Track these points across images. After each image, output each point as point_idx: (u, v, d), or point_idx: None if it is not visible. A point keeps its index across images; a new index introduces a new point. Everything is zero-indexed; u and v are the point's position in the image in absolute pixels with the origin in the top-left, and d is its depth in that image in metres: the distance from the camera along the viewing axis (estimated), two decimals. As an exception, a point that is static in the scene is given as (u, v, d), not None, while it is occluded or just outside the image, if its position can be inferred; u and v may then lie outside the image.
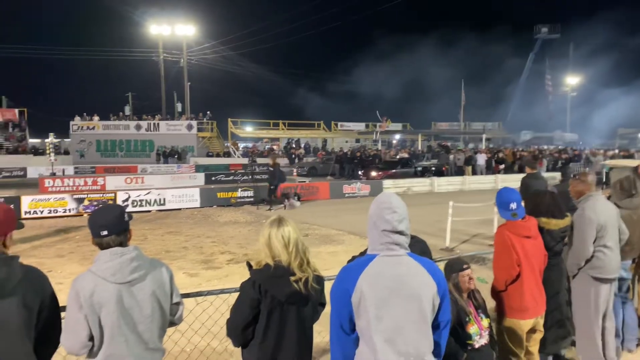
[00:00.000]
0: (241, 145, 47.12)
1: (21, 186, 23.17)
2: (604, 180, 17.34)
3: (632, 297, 5.08)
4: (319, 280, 2.71)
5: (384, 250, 2.21)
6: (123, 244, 2.40)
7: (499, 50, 70.82)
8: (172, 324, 2.55)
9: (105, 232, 2.35)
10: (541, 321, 3.62)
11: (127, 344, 2.27)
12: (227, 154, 38.54)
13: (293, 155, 37.84)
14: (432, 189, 22.88)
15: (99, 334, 2.24)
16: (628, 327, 4.79)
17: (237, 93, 73.64)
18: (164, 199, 16.85)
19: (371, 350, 2.13)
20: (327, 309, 2.69)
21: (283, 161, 36.03)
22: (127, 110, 43.78)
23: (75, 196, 16.10)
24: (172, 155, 35.40)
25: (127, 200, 16.21)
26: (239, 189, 18.35)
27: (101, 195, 16.65)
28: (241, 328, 2.59)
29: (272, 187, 16.87)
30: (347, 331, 2.23)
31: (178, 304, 2.54)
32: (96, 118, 38.88)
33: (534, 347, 3.69)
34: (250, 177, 20.25)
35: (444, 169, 26.65)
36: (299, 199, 18.71)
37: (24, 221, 2.64)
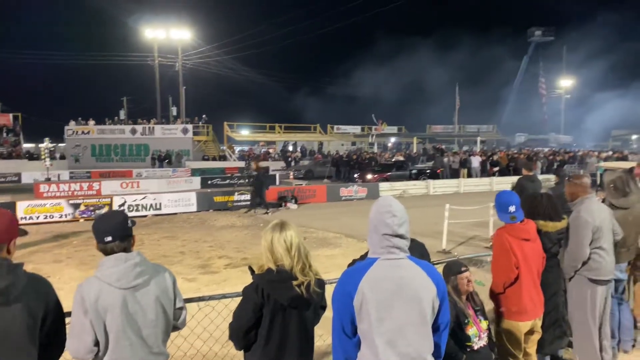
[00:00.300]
0: (237, 148, 47.11)
1: (16, 191, 23.07)
2: (598, 182, 17.49)
3: (628, 299, 5.13)
4: (321, 283, 2.74)
5: (385, 254, 2.25)
6: (127, 249, 2.43)
7: (494, 53, 71.33)
8: (176, 328, 2.58)
9: (109, 238, 2.38)
10: (539, 323, 3.66)
11: (131, 349, 2.30)
12: (223, 158, 38.54)
13: (289, 159, 37.84)
14: (427, 192, 22.95)
15: (104, 339, 2.27)
16: (624, 328, 4.84)
17: (233, 96, 73.86)
18: (160, 204, 16.84)
19: (373, 352, 2.16)
20: (328, 312, 2.72)
21: (279, 164, 36.08)
22: (122, 114, 43.72)
23: (71, 201, 16.06)
24: (167, 159, 35.35)
25: (123, 205, 16.18)
26: (236, 193, 18.34)
27: (97, 200, 16.62)
28: (244, 331, 2.62)
29: (256, 191, 16.67)
30: (349, 334, 2.26)
31: (181, 308, 2.57)
32: (91, 122, 38.79)
33: (532, 349, 3.73)
34: (247, 180, 20.25)
35: (438, 171, 26.75)
36: (295, 202, 18.76)
37: (23, 227, 2.65)
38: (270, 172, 30.32)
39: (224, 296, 3.48)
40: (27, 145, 43.30)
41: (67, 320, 2.37)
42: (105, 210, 15.91)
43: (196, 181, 26.15)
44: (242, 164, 34.39)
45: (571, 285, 4.27)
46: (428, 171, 26.76)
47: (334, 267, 7.96)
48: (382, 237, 2.25)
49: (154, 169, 32.97)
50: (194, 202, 17.39)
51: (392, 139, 51.71)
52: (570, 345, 4.37)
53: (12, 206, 14.92)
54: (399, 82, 72.18)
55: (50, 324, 2.27)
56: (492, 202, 3.84)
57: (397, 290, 2.17)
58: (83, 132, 38.16)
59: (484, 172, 27.56)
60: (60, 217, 15.52)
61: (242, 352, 2.72)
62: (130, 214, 14.97)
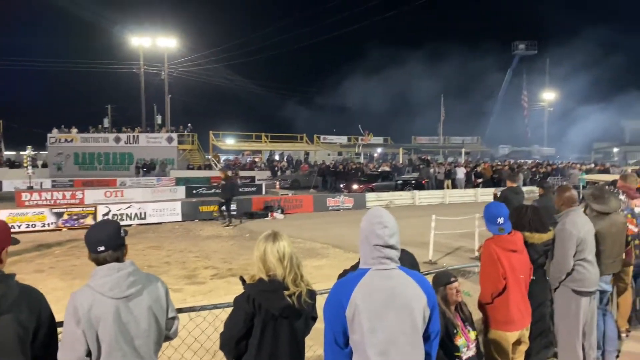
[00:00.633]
0: (223, 157, 46.92)
1: (-3, 200, 22.70)
2: (581, 195, 17.78)
3: (612, 310, 5.24)
4: (312, 294, 2.76)
5: (376, 264, 2.28)
6: (119, 259, 2.43)
7: (479, 66, 72.13)
8: (168, 338, 2.57)
9: (102, 248, 2.38)
10: (526, 333, 3.71)
11: (124, 359, 2.29)
12: (209, 167, 38.35)
13: (276, 168, 37.81)
14: (413, 202, 23.09)
15: (97, 349, 2.26)
16: (608, 339, 4.92)
17: (219, 105, 73.57)
18: (145, 213, 16.71)
19: (365, 363, 2.18)
20: (319, 323, 2.74)
21: (265, 174, 36.01)
22: (106, 122, 43.36)
23: (54, 210, 15.85)
24: (152, 168, 35.09)
25: (107, 214, 16.02)
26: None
27: (81, 209, 16.43)
28: (235, 341, 2.62)
29: (223, 201, 16.37)
30: (340, 345, 2.27)
31: (173, 318, 2.57)
32: (74, 130, 38.38)
33: (520, 359, 3.78)
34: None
35: (423, 182, 26.97)
36: (282, 212, 18.74)
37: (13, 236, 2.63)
38: (256, 182, 30.35)
39: (215, 306, 3.48)
40: (8, 153, 42.66)
41: (58, 330, 2.36)
42: (89, 219, 15.73)
43: (181, 190, 25.99)
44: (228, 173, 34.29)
45: (557, 296, 4.34)
46: (413, 182, 26.96)
47: (322, 277, 7.98)
48: (373, 248, 2.29)
49: (138, 178, 32.69)
50: (179, 212, 17.28)
51: (378, 150, 52.07)
52: (555, 355, 4.43)
53: (-7, 215, 14.69)
54: (386, 94, 72.59)
55: (43, 336, 2.26)
56: (477, 213, 3.91)
57: (389, 301, 2.20)
58: (66, 140, 37.74)
59: (469, 183, 27.86)
60: (43, 226, 15.30)
61: (233, 362, 2.72)
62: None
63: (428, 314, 2.27)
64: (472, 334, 3.44)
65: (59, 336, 2.34)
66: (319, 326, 2.64)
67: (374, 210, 2.41)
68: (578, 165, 32.77)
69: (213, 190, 25.71)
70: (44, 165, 37.95)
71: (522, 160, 43.42)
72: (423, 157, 41.00)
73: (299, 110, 71.54)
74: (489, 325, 3.68)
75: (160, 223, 16.58)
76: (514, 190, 8.87)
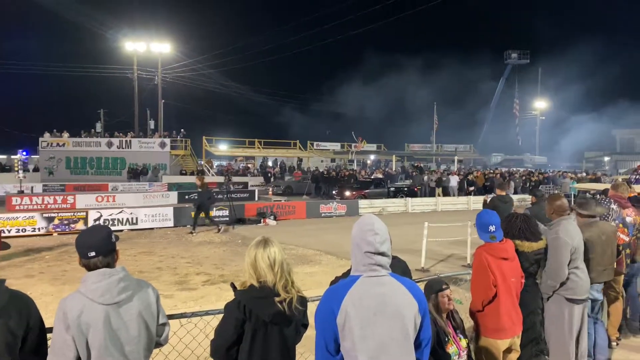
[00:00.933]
0: (216, 163, 46.86)
1: (-14, 204, 22.47)
2: (573, 203, 17.92)
3: (603, 318, 5.27)
4: (303, 301, 2.76)
5: (367, 271, 2.29)
6: (110, 265, 2.42)
7: (472, 74, 72.73)
8: (158, 344, 2.56)
9: (93, 253, 2.37)
10: (517, 341, 3.72)
11: (113, 365, 2.28)
12: (201, 173, 38.27)
13: (269, 174, 37.78)
14: (406, 210, 23.14)
15: (86, 355, 2.24)
16: (599, 348, 4.95)
17: (213, 111, 73.62)
18: (137, 218, 16.61)
19: (356, 370, 2.18)
20: (309, 330, 2.74)
21: (258, 180, 35.97)
22: (99, 127, 43.20)
23: (45, 215, 15.73)
24: (144, 173, 34.94)
25: (98, 219, 15.91)
26: (214, 208, 18.21)
27: (72, 214, 16.31)
28: (225, 348, 2.62)
29: (198, 208, 15.64)
30: (332, 352, 2.27)
31: (164, 324, 2.56)
32: (66, 134, 38.21)
33: (510, 367, 3.79)
34: (225, 196, 20.11)
35: (416, 189, 27.05)
36: (275, 218, 18.71)
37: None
38: (249, 188, 30.30)
39: (206, 313, 3.47)
40: (-1, 157, 42.40)
41: (48, 335, 2.34)
42: (80, 224, 15.63)
43: (173, 196, 25.87)
44: (221, 179, 34.18)
45: (549, 304, 4.36)
46: (406, 189, 27.03)
47: (314, 284, 7.97)
48: (364, 255, 2.30)
49: (130, 183, 32.54)
50: (171, 217, 17.20)
51: (372, 157, 52.20)
52: (546, 363, 4.45)
53: (-18, 219, 14.56)
54: (380, 101, 72.95)
55: (32, 342, 2.24)
56: (470, 220, 3.93)
57: (380, 307, 2.20)
58: (58, 144, 37.54)
59: (462, 191, 27.96)
60: (33, 230, 15.17)
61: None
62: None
63: (419, 321, 2.28)
64: (464, 342, 3.45)
65: (49, 342, 2.32)
66: (310, 333, 2.64)
67: (365, 217, 2.42)
68: (569, 174, 32.99)
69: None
70: (35, 170, 37.71)
71: (515, 169, 43.65)
72: (416, 165, 41.13)
73: (293, 117, 71.76)
74: (480, 332, 3.69)
75: (152, 229, 16.49)
76: (503, 199, 8.94)
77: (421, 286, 3.58)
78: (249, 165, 46.66)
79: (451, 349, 3.32)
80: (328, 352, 2.28)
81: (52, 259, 11.51)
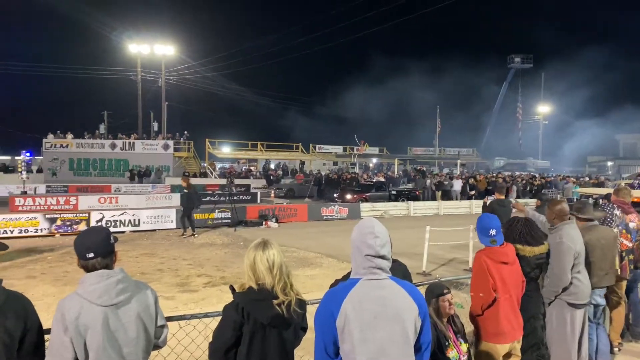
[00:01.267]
0: (218, 165, 46.90)
1: (-10, 204, 22.53)
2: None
3: (605, 323, 5.23)
4: (302, 304, 2.75)
5: (367, 274, 2.28)
6: (109, 266, 2.41)
7: (475, 78, 72.59)
8: (157, 347, 2.55)
9: (91, 255, 2.36)
10: (518, 346, 3.70)
11: (111, 367, 2.26)
12: (204, 175, 38.31)
13: (271, 177, 37.79)
14: (408, 213, 23.10)
15: (84, 357, 2.23)
16: (601, 353, 4.92)
17: (216, 113, 73.60)
18: (139, 220, 16.62)
19: (355, 374, 2.17)
20: (309, 333, 2.72)
21: (260, 182, 35.96)
22: (102, 128, 43.28)
23: (47, 216, 15.75)
24: (147, 175, 34.99)
25: (101, 220, 15.93)
26: (216, 210, 18.23)
27: (74, 215, 16.33)
28: (223, 351, 2.60)
29: (184, 211, 15.49)
30: (331, 355, 2.27)
31: (163, 326, 2.55)
32: (70, 136, 38.32)
33: (511, 372, 3.76)
34: (227, 198, 20.11)
35: (417, 193, 27.01)
36: (276, 221, 18.70)
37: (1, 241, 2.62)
38: (251, 190, 30.30)
39: (206, 315, 3.45)
40: (2, 158, 42.49)
41: (46, 337, 2.33)
42: (83, 225, 15.64)
43: (176, 198, 25.84)
44: (223, 181, 34.19)
45: (550, 309, 4.34)
46: (407, 192, 26.99)
47: (315, 287, 7.95)
48: (364, 258, 2.29)
49: (133, 185, 32.59)
50: (173, 219, 17.19)
51: (374, 160, 52.14)
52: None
53: (-15, 219, 14.59)
54: (382, 104, 72.91)
55: (29, 344, 2.23)
56: (472, 224, 3.90)
57: (380, 311, 2.19)
58: (61, 146, 37.67)
59: (465, 195, 27.91)
60: (36, 231, 15.19)
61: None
62: (108, 230, 14.85)
63: (419, 325, 2.27)
64: (464, 347, 3.43)
65: (47, 344, 2.31)
66: (309, 336, 2.63)
67: (366, 220, 2.41)
68: (572, 179, 32.90)
69: (208, 198, 25.64)
70: (39, 171, 37.82)
71: (518, 173, 43.58)
72: (419, 168, 41.09)
73: (296, 120, 71.75)
74: (480, 337, 3.67)
75: (154, 230, 16.50)
76: (502, 203, 8.91)
77: (422, 290, 3.56)
78: (252, 167, 46.67)
79: (451, 353, 3.30)
80: (327, 355, 2.27)
81: (54, 260, 11.52)
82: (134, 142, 38.14)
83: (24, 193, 25.46)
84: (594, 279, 4.60)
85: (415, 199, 25.83)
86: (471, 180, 29.88)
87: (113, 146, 37.99)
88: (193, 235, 15.37)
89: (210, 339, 2.67)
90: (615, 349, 5.48)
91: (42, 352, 2.30)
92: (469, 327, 3.76)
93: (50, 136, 38.08)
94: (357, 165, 45.43)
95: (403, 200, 25.00)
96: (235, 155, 47.43)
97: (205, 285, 9.28)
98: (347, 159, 49.33)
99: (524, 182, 32.31)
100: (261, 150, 45.71)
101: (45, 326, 2.39)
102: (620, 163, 56.69)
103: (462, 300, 6.27)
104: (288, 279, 2.70)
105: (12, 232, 14.82)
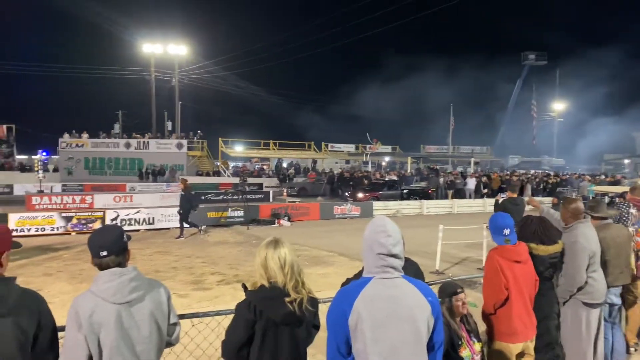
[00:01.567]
0: (231, 164, 47.09)
1: (7, 203, 22.89)
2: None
3: (621, 323, 5.16)
4: (313, 302, 2.75)
5: (380, 273, 2.27)
6: (122, 264, 2.44)
7: (488, 75, 72.03)
8: (169, 344, 2.57)
9: (104, 253, 2.38)
10: (531, 345, 3.66)
11: (125, 364, 2.28)
12: (217, 173, 38.48)
13: (283, 176, 37.86)
14: (421, 212, 23.02)
15: (98, 354, 2.25)
16: (616, 353, 4.85)
17: (229, 112, 73.99)
18: (153, 218, 16.77)
19: (367, 373, 2.16)
20: (321, 332, 2.72)
21: (273, 181, 36.05)
22: (117, 128, 43.68)
23: (63, 214, 15.96)
24: (161, 173, 35.26)
25: (116, 219, 16.10)
26: (229, 209, 18.32)
27: (90, 213, 16.53)
28: (236, 349, 2.61)
29: (182, 213, 15.19)
30: (343, 354, 2.26)
31: (175, 324, 2.56)
32: (85, 135, 38.72)
33: (524, 371, 3.72)
34: (240, 196, 20.22)
35: (430, 191, 26.86)
36: (289, 219, 18.74)
37: (16, 240, 2.64)
38: (264, 189, 30.38)
39: (217, 313, 3.47)
40: (20, 157, 43.11)
41: (60, 334, 2.35)
42: (98, 223, 15.82)
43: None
44: (236, 180, 34.34)
45: (565, 308, 4.29)
46: (420, 191, 26.87)
47: (327, 286, 7.95)
48: (376, 257, 2.28)
49: (147, 183, 32.84)
50: (187, 218, 17.30)
51: (387, 158, 51.98)
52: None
53: (4, 218, 14.81)
54: (396, 102, 72.69)
55: (43, 341, 2.25)
56: (486, 223, 3.87)
57: (392, 310, 2.19)
58: (77, 145, 38.07)
59: (478, 193, 27.69)
60: (52, 230, 15.39)
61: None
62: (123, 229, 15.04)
63: (432, 324, 2.25)
64: (477, 346, 3.40)
65: (61, 341, 2.34)
66: (322, 334, 2.63)
67: (378, 219, 2.40)
68: (587, 177, 32.47)
69: (221, 197, 25.77)
70: (55, 170, 38.29)
71: (532, 171, 43.13)
72: (432, 166, 40.88)
73: (308, 118, 71.77)
74: (493, 336, 3.64)
75: (168, 229, 16.63)
76: (514, 202, 8.82)
77: (435, 289, 3.55)
78: (264, 166, 46.79)
79: (464, 352, 3.28)
80: (339, 354, 2.26)
81: (70, 258, 11.67)
82: (148, 142, 38.43)
83: (41, 192, 25.81)
84: (609, 277, 4.54)
85: (428, 197, 25.71)
86: (485, 179, 29.65)
87: (128, 145, 38.33)
88: (181, 237, 14.94)
89: (223, 337, 2.68)
90: (631, 349, 5.40)
91: (56, 349, 2.33)
92: (482, 326, 3.73)
93: (66, 136, 38.52)
94: (370, 163, 45.32)
95: (416, 199, 24.90)
96: (248, 154, 47.59)
97: (219, 283, 9.34)
98: (359, 157, 49.24)
99: (538, 180, 32.00)
100: (274, 149, 45.80)
101: (61, 324, 2.41)
102: (637, 161, 55.80)
103: (475, 299, 6.23)
104: (300, 277, 2.70)
105: (29, 230, 15.04)
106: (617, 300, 4.94)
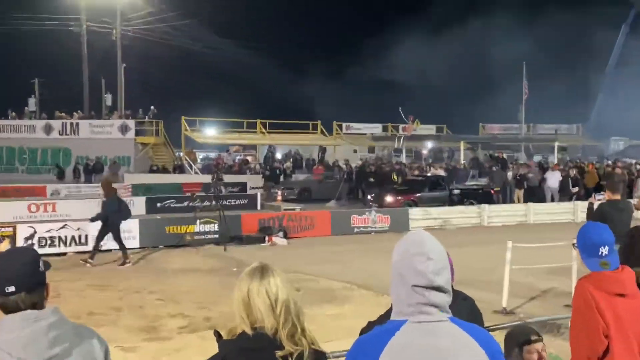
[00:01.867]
0: (200, 155, 47.29)
1: None
2: None
3: None
4: (319, 357, 2.75)
5: (416, 315, 2.27)
6: (37, 304, 2.44)
7: (579, 22, 71.38)
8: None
9: (12, 289, 2.39)
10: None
11: None
12: (180, 169, 38.62)
13: (277, 171, 37.94)
14: (480, 222, 23.06)
15: None
16: None
17: (195, 80, 73.97)
18: (86, 236, 16.83)
19: None
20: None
21: (261, 179, 36.09)
22: (32, 104, 43.96)
23: (-47, 231, 16.08)
24: (97, 170, 35.44)
25: (32, 237, 16.20)
26: (198, 221, 18.38)
27: (-7, 229, 16.64)
28: None
29: (103, 226, 15.20)
30: None
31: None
32: (-15, 115, 39.10)
33: None
34: (213, 202, 20.27)
35: (493, 192, 26.80)
36: (285, 236, 18.76)
37: None
38: (248, 191, 30.45)
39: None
40: None
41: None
42: (5, 244, 15.92)
43: (139, 203, 26.17)
44: (207, 178, 34.41)
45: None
46: (479, 191, 26.82)
47: (342, 331, 7.99)
48: (411, 290, 2.28)
49: (78, 185, 33.04)
50: (135, 234, 17.40)
51: (429, 144, 51.88)
52: None
53: None
54: (442, 64, 72.21)
55: None
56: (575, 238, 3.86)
57: (434, 368, 2.19)
58: (-28, 130, 38.41)
59: (565, 193, 27.57)
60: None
61: None
62: (42, 251, 14.85)
63: (493, 388, 2.25)
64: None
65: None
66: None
67: (413, 234, 2.40)
68: None
69: (186, 204, 25.86)
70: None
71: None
72: (496, 155, 40.80)
73: (313, 87, 71.73)
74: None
75: (109, 250, 16.69)
76: (616, 206, 8.76)
77: (500, 336, 3.54)
78: (249, 157, 46.89)
79: None
80: None
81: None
82: (77, 123, 38.69)
83: None
84: None
85: (491, 200, 25.68)
86: (574, 172, 29.57)
87: (48, 129, 38.59)
88: (126, 262, 15.13)
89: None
90: None
91: None
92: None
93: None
94: (404, 152, 45.31)
95: (472, 203, 24.89)
96: (225, 140, 47.68)
97: (182, 330, 9.39)
98: (388, 142, 49.15)
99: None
100: (262, 132, 45.87)
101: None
102: None
103: (560, 349, 6.22)
104: (299, 321, 2.71)
105: None
106: None
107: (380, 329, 2.32)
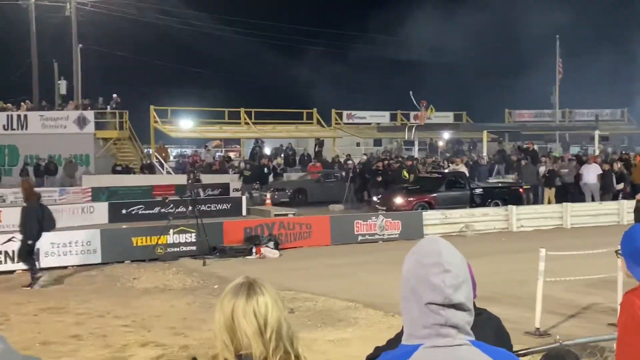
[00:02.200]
0: (173, 152, 47.29)
1: None
2: None
3: None
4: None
5: (431, 338, 2.27)
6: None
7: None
8: None
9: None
10: None
11: None
12: (149, 169, 38.60)
13: (265, 170, 37.98)
14: (508, 227, 23.10)
15: None
16: None
17: (166, 62, 74.00)
18: (38, 251, 16.82)
19: None
20: None
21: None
22: (-28, 93, 43.97)
23: None
24: (50, 171, 35.38)
25: (-28, 252, 16.20)
26: (171, 231, 18.39)
27: None
28: None
29: (28, 242, 14.92)
30: None
31: None
32: None
33: None
34: (189, 208, 20.28)
35: (521, 190, 26.83)
36: (276, 246, 18.76)
37: None
38: (231, 194, 30.47)
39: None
40: None
41: None
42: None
43: (101, 210, 26.19)
44: (182, 178, 34.44)
45: None
46: (505, 190, 26.86)
47: (345, 359, 8.00)
48: (425, 309, 2.27)
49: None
50: (97, 247, 17.40)
51: (446, 135, 51.93)
52: None
53: None
54: (460, 40, 72.30)
55: None
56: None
57: (454, 400, 2.20)
58: None
59: (607, 191, 27.61)
60: None
61: None
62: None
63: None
64: None
65: None
66: None
67: (428, 242, 2.40)
68: None
69: (157, 210, 25.86)
70: None
71: None
72: (526, 146, 40.84)
73: (307, 69, 71.79)
74: None
75: (64, 267, 16.70)
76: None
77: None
78: (231, 154, 46.91)
79: None
80: None
81: None
82: (26, 116, 38.61)
83: None
84: None
85: (520, 201, 25.72)
86: (618, 165, 29.62)
87: (-9, 123, 38.56)
88: (32, 283, 14.87)
89: None
90: None
91: None
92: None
93: None
94: (416, 144, 45.32)
95: (497, 205, 24.93)
96: (203, 133, 47.67)
97: (155, 361, 9.41)
98: (398, 133, 49.16)
99: None
100: (247, 124, 45.88)
101: None
102: None
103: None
104: (292, 348, 2.71)
105: None
106: None
107: (389, 355, 2.33)
